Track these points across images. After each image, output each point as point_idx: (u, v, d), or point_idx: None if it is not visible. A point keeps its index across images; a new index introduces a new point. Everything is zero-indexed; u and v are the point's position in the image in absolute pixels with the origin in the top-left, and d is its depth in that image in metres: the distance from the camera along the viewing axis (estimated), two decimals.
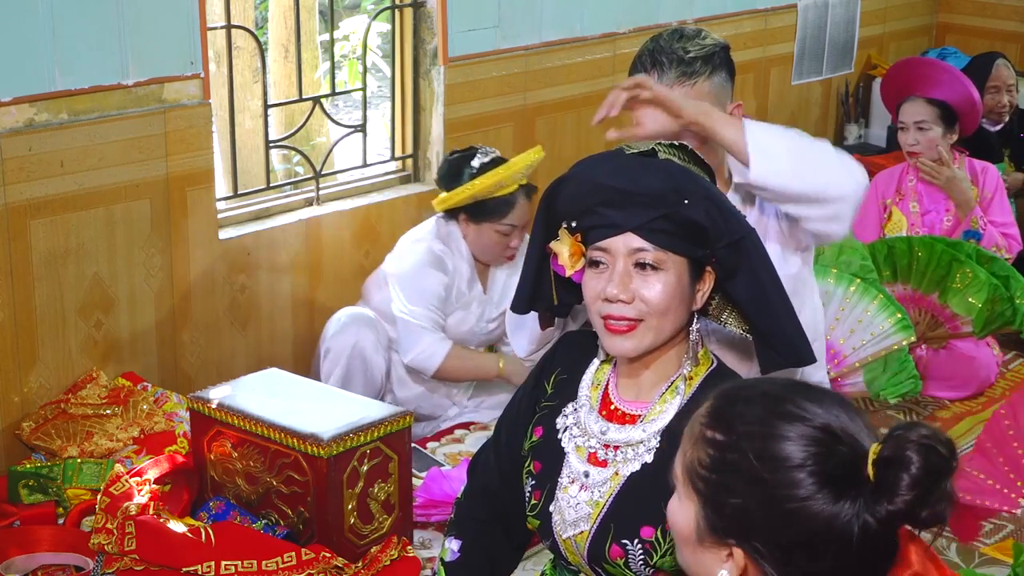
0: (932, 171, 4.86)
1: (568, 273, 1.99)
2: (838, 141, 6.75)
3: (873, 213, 5.08)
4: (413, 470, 3.71)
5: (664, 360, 2.00)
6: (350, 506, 3.44)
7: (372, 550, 3.48)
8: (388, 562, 3.45)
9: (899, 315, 4.38)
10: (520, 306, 2.14)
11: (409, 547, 3.54)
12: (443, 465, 4.08)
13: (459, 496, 2.26)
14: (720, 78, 2.50)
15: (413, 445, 3.76)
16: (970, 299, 4.61)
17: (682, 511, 1.53)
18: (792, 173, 2.20)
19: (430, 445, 4.28)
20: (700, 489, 1.50)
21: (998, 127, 5.69)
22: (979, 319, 4.62)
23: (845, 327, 4.40)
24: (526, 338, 2.42)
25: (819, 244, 2.56)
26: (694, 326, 1.99)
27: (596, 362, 2.10)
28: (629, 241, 1.91)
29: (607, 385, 2.07)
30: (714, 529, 1.49)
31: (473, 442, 4.25)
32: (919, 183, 5.00)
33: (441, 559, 2.22)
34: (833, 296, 4.37)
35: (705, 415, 1.53)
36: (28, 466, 3.67)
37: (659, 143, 1.99)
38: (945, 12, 7.19)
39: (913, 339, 4.42)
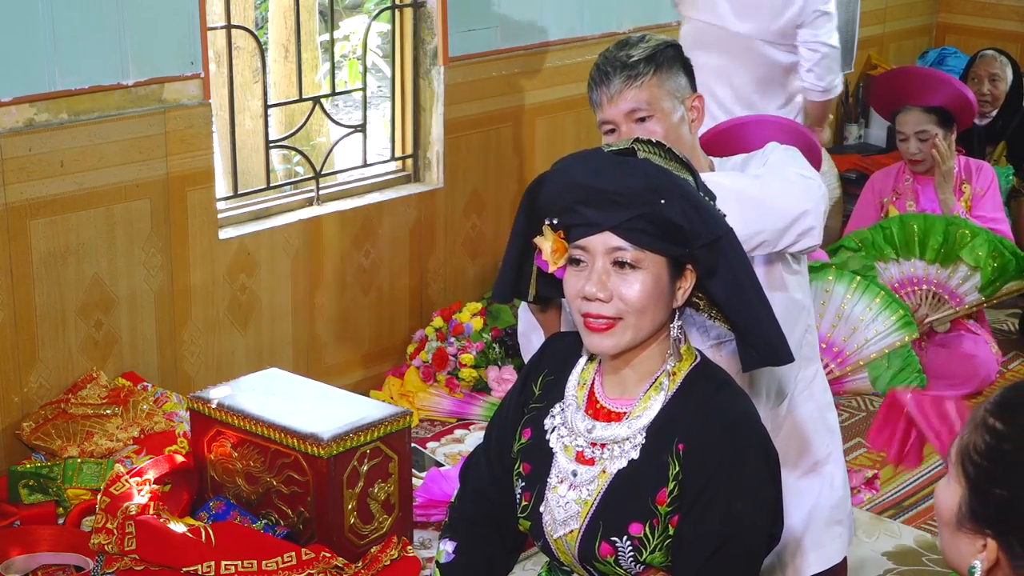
0: (944, 156, 4.86)
1: (551, 269, 2.00)
2: (838, 141, 6.75)
3: (870, 211, 5.09)
4: (413, 470, 3.71)
5: (646, 357, 2.01)
6: (350, 506, 3.44)
7: (372, 550, 3.48)
8: (388, 562, 3.45)
9: (901, 312, 4.39)
10: (501, 295, 2.17)
11: (409, 547, 3.54)
12: (443, 465, 4.08)
13: (452, 499, 2.27)
14: (671, 75, 2.52)
15: (413, 445, 3.77)
16: (977, 252, 4.63)
17: (948, 492, 1.51)
18: (742, 217, 2.23)
19: (430, 445, 4.28)
20: (969, 473, 1.48)
21: (984, 122, 5.68)
22: (985, 272, 4.63)
23: (847, 326, 4.40)
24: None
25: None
26: (675, 323, 2.00)
27: (582, 362, 2.11)
28: (607, 240, 1.92)
29: (592, 384, 2.08)
30: (975, 516, 1.47)
31: (473, 442, 4.25)
32: (915, 183, 5.01)
33: (437, 562, 2.23)
34: (833, 294, 4.38)
35: (992, 402, 1.50)
36: (28, 466, 3.67)
37: (637, 140, 1.99)
38: (945, 12, 7.19)
39: (915, 336, 4.43)
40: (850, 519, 2.87)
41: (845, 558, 2.84)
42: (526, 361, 2.51)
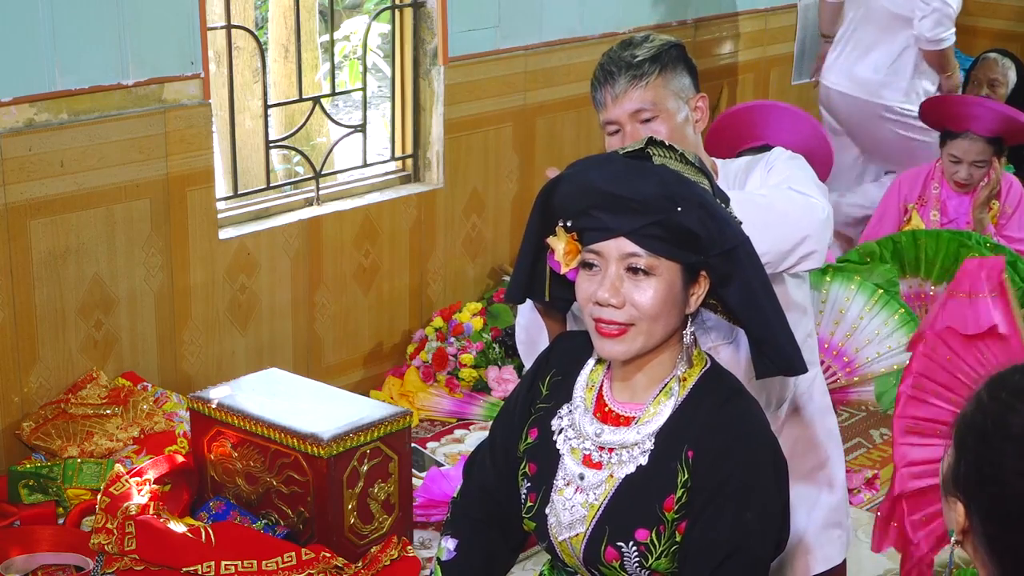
0: (997, 181, 4.86)
1: (563, 271, 1.98)
2: None
3: (892, 214, 5.07)
4: (413, 470, 3.71)
5: (658, 362, 1.99)
6: (350, 506, 3.44)
7: (372, 550, 3.48)
8: (388, 562, 3.45)
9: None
10: (514, 295, 2.15)
11: (409, 547, 3.54)
12: (443, 465, 4.08)
13: (455, 496, 2.26)
14: (675, 75, 2.51)
15: (413, 445, 3.77)
16: None
17: (945, 458, 1.57)
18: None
19: (430, 445, 4.28)
20: (956, 440, 1.53)
21: None
22: None
23: (861, 337, 4.38)
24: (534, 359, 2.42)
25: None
26: (688, 329, 1.99)
27: (591, 363, 2.09)
28: (622, 246, 1.91)
29: (601, 387, 2.06)
30: (954, 481, 1.52)
31: (473, 442, 4.25)
32: (944, 192, 4.98)
33: (438, 559, 2.22)
34: (853, 303, 4.37)
35: (990, 376, 1.56)
36: (28, 466, 3.67)
37: (650, 142, 1.98)
38: None
39: None
40: (849, 522, 2.87)
41: (844, 560, 2.84)
42: (522, 357, 2.50)
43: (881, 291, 4.40)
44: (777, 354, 1.98)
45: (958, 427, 1.53)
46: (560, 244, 1.97)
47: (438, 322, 4.74)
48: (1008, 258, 4.68)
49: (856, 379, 4.43)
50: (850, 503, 3.60)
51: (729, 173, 2.58)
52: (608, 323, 1.93)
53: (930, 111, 5.10)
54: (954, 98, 5.28)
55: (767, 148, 3.85)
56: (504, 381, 4.56)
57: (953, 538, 1.52)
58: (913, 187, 5.07)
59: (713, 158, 2.62)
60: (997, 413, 1.48)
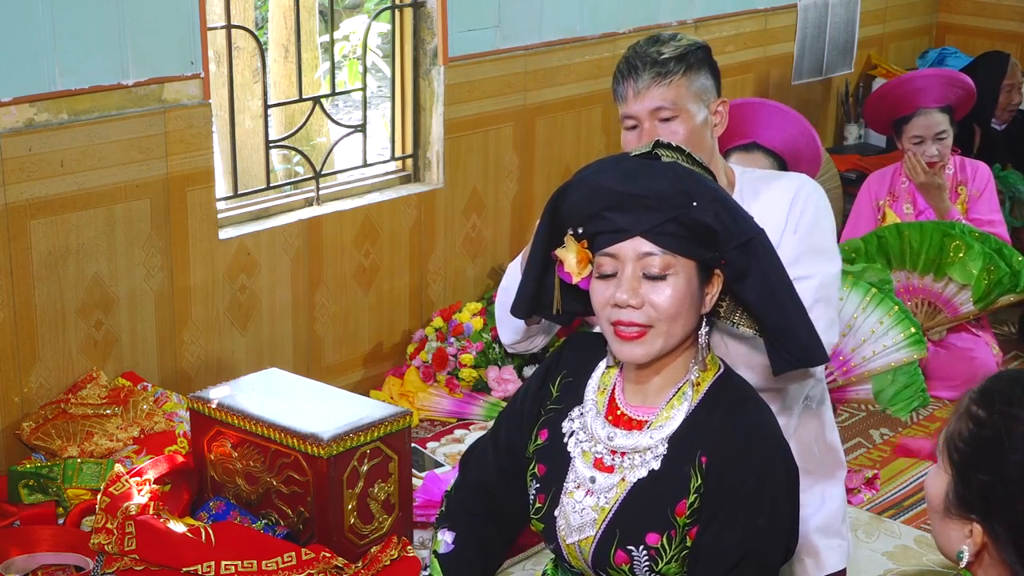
0: (917, 168, 4.85)
1: (575, 280, 1.97)
2: (838, 141, 6.75)
3: (867, 214, 5.07)
4: (413, 470, 3.71)
5: (673, 366, 1.99)
6: (350, 506, 3.44)
7: (372, 550, 3.48)
8: (388, 562, 3.45)
9: (913, 329, 4.37)
10: (521, 310, 2.13)
11: (409, 547, 3.54)
12: (442, 465, 4.08)
13: (448, 489, 2.25)
14: (699, 77, 2.50)
15: (413, 445, 3.77)
16: (968, 267, 4.63)
17: (936, 480, 1.55)
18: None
19: (430, 445, 4.28)
20: (955, 461, 1.52)
21: (1003, 126, 5.70)
22: (978, 287, 4.63)
23: (857, 336, 4.39)
24: (511, 329, 2.42)
25: None
26: (702, 330, 1.98)
27: (602, 366, 2.09)
28: (638, 246, 1.90)
29: (613, 390, 2.05)
30: (961, 503, 1.51)
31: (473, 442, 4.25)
32: (912, 184, 5.00)
33: (434, 551, 2.21)
34: (847, 303, 4.37)
35: (975, 391, 1.55)
36: (28, 466, 3.67)
37: (658, 144, 1.97)
38: (945, 12, 7.18)
39: (924, 355, 4.41)
40: (849, 534, 2.87)
41: (845, 569, 2.84)
42: (497, 320, 2.48)
43: (875, 290, 4.41)
44: (796, 346, 1.97)
45: (954, 448, 1.51)
46: (570, 254, 1.96)
47: (438, 322, 4.75)
48: (993, 245, 4.69)
49: (853, 378, 4.43)
50: (850, 503, 3.61)
51: (746, 183, 2.56)
52: (628, 325, 1.92)
53: (877, 105, 5.10)
54: (894, 82, 5.27)
55: (755, 146, 3.85)
56: (504, 381, 4.56)
57: (965, 561, 1.50)
58: (881, 185, 5.08)
59: (731, 165, 2.61)
60: (1005, 427, 1.47)
